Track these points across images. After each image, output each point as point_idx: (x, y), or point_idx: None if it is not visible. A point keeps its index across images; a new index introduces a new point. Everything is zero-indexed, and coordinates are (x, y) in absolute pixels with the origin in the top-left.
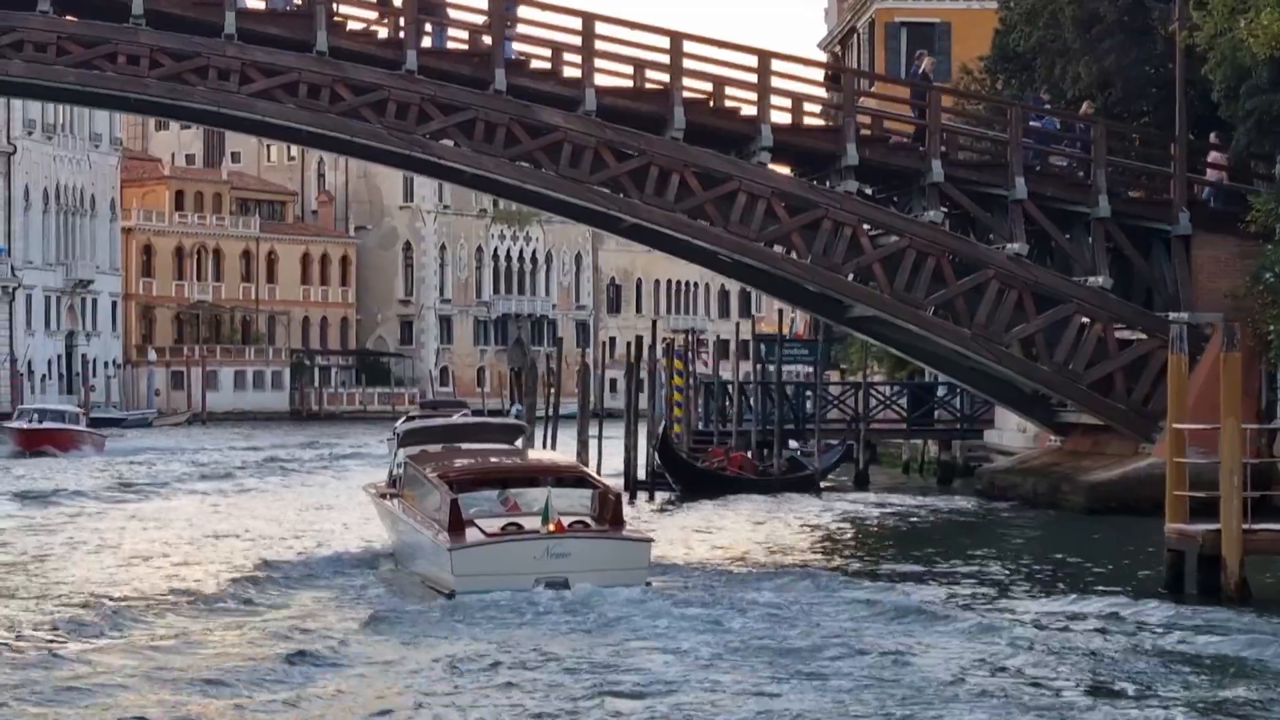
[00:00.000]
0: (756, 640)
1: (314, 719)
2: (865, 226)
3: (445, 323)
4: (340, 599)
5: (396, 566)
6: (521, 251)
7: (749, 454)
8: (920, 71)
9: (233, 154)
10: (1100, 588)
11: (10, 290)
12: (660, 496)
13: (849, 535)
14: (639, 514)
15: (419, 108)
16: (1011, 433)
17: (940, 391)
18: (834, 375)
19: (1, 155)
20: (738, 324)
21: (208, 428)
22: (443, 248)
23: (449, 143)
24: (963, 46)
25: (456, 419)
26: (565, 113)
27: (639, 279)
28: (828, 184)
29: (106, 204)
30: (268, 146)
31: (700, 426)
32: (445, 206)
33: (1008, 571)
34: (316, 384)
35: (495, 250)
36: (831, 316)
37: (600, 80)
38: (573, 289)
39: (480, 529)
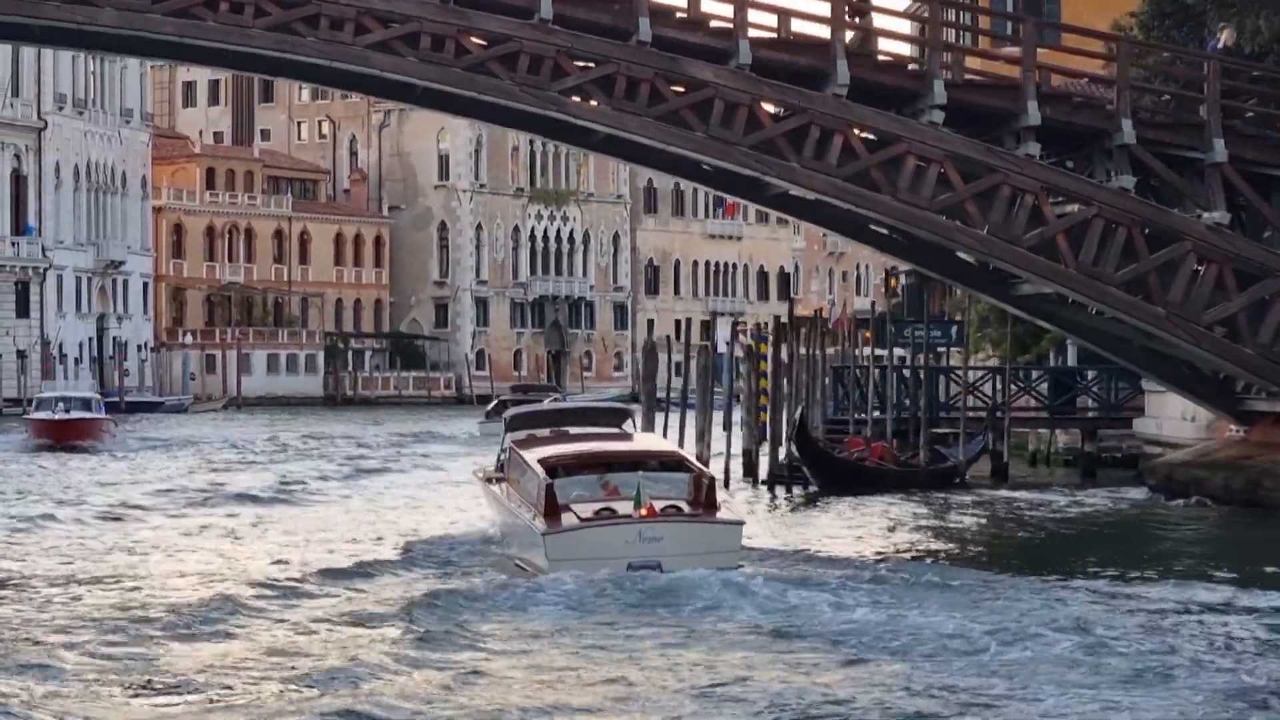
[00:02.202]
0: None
1: (420, 698)
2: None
3: (481, 305)
4: (444, 583)
5: (501, 550)
6: (559, 231)
7: (889, 444)
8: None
9: (262, 131)
10: None
11: (41, 271)
12: (796, 492)
13: (1037, 534)
14: (783, 512)
15: (554, 61)
16: (1173, 421)
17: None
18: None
19: (32, 131)
20: (878, 302)
21: (244, 413)
22: (479, 228)
23: (577, 99)
24: (1072, 7)
25: (548, 403)
26: (716, 66)
27: (677, 260)
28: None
29: (137, 182)
30: (298, 124)
31: (830, 414)
32: (481, 185)
33: None
34: (350, 368)
35: (532, 230)
36: (996, 295)
37: (752, 31)
38: (610, 270)
39: (575, 513)
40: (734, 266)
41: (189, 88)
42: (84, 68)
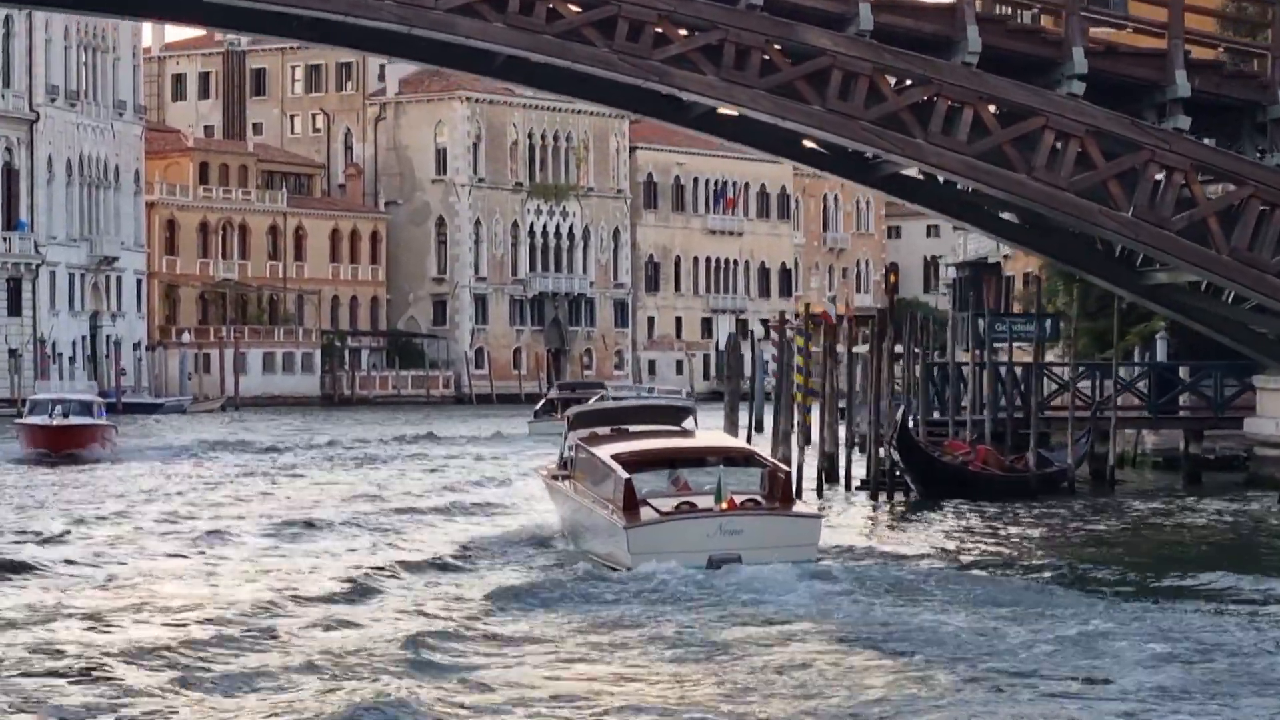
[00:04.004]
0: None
1: (511, 685)
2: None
3: (480, 302)
4: (516, 577)
5: (570, 545)
6: (559, 227)
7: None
8: None
9: (254, 125)
10: None
11: (33, 268)
12: (897, 499)
13: (1183, 548)
14: (892, 521)
15: (655, 28)
16: None
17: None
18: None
19: (24, 123)
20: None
21: (243, 414)
22: (477, 223)
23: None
24: None
25: (593, 401)
26: (833, 33)
27: (677, 256)
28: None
29: (130, 176)
30: (291, 117)
31: (920, 415)
32: (480, 180)
33: None
34: (348, 367)
35: (531, 225)
36: (1124, 284)
37: None
38: (610, 266)
39: (654, 508)
40: (735, 263)
41: (178, 80)
42: (75, 58)
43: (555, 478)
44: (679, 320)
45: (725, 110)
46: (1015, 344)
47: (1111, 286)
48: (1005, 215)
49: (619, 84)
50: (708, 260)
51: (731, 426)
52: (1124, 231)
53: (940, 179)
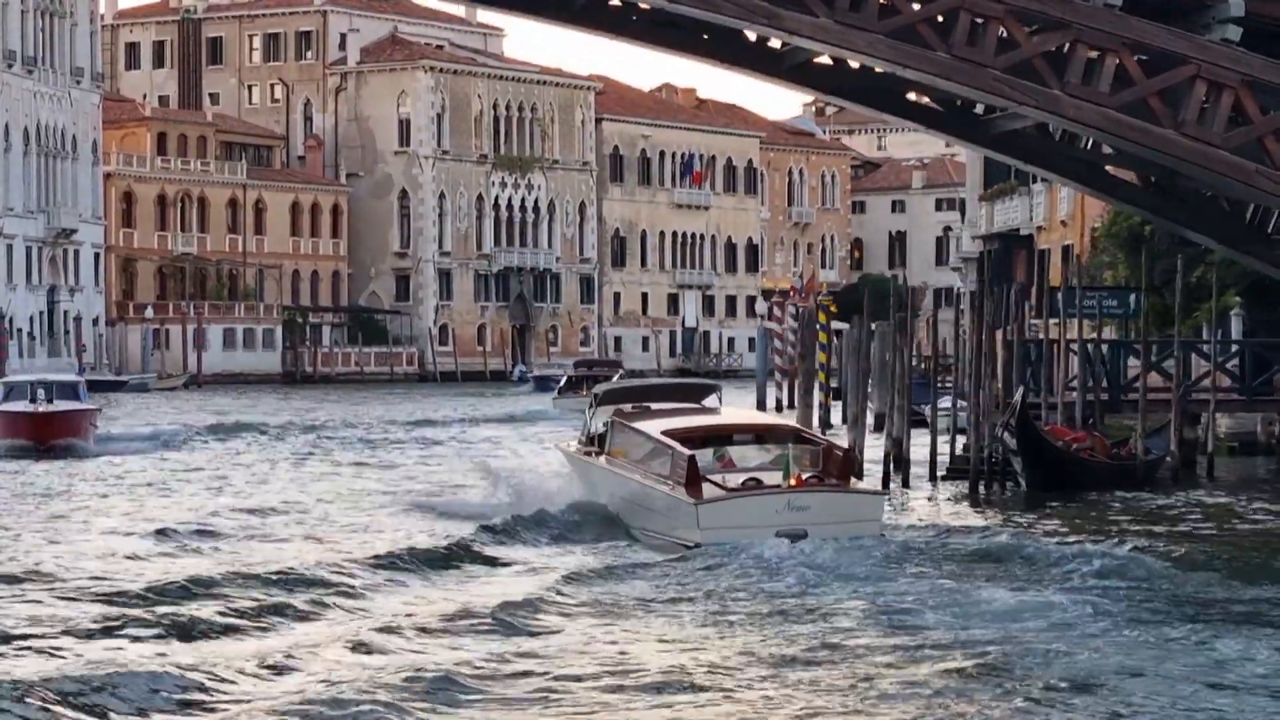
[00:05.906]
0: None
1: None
2: None
3: (444, 277)
4: (559, 552)
5: (626, 522)
6: (524, 200)
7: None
8: None
9: (211, 95)
10: None
11: None
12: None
13: None
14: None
15: None
16: None
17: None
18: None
19: None
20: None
21: (205, 392)
22: (441, 196)
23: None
24: None
25: (616, 379)
26: None
27: (643, 230)
28: None
29: (88, 146)
30: (249, 87)
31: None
32: (444, 152)
33: None
34: (309, 343)
35: (496, 199)
36: (1260, 255)
37: None
38: (576, 240)
39: (715, 484)
40: (701, 237)
41: (132, 49)
42: (33, 24)
43: (586, 453)
44: (645, 296)
45: (822, 60)
46: (1084, 320)
47: (1242, 257)
48: (1112, 171)
49: (711, 27)
50: (674, 235)
51: (806, 409)
52: None
53: (1057, 136)
